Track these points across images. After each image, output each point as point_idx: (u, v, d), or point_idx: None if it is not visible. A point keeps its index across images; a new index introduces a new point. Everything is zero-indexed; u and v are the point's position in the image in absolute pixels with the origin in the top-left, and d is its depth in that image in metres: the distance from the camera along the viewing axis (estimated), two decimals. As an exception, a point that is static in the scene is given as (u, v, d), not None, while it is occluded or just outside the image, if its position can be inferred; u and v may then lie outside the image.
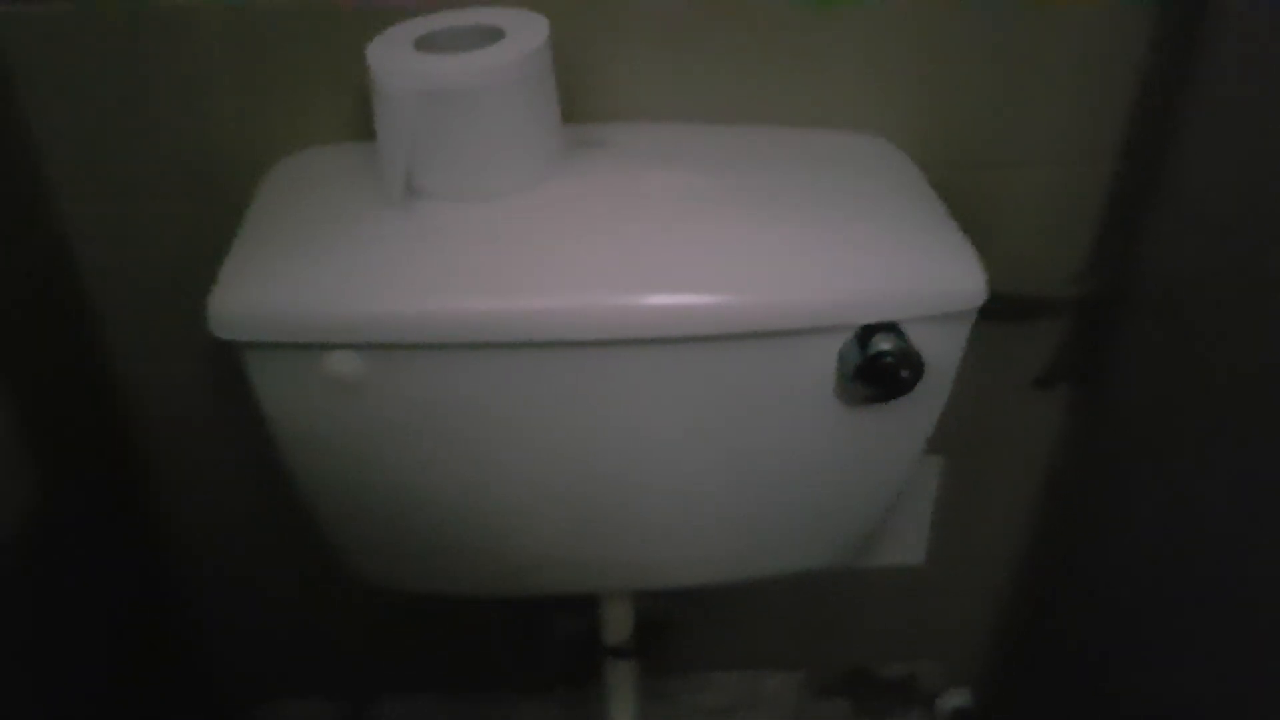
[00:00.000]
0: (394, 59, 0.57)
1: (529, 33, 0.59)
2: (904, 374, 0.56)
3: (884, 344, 0.56)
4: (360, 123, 0.68)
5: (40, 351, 0.70)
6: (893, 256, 0.58)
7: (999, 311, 0.63)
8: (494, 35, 0.59)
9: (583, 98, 0.68)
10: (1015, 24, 0.67)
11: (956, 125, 0.71)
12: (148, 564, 0.88)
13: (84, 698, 0.76)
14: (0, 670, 0.65)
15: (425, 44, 0.59)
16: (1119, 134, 0.72)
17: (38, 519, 0.68)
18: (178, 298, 0.74)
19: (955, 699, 1.08)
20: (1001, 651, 1.06)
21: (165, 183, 0.70)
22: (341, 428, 0.61)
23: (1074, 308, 0.80)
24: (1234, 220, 0.65)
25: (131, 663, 0.84)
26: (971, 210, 0.67)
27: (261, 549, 0.92)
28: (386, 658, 1.04)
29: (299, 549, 0.90)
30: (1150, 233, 0.74)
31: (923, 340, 0.57)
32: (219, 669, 1.02)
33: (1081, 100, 0.70)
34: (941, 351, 0.59)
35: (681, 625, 1.01)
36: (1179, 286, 0.72)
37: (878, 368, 0.56)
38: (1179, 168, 0.70)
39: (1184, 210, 0.71)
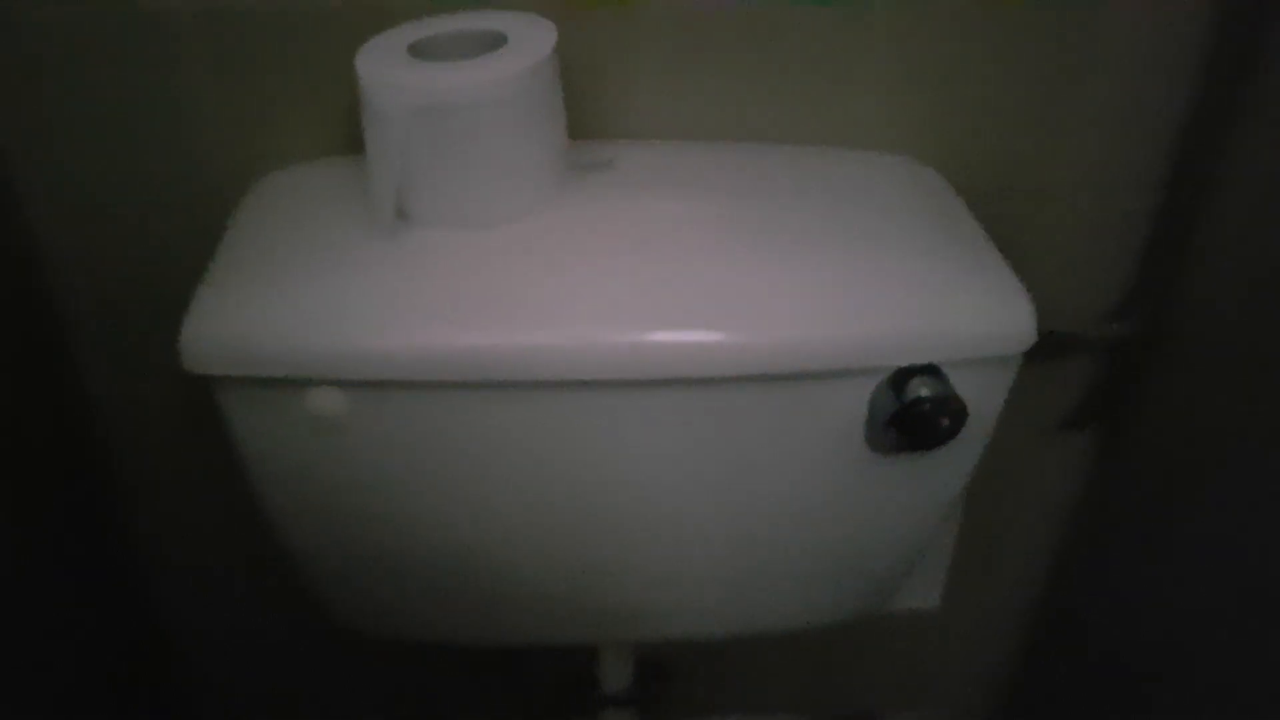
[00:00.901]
0: (385, 69, 0.52)
1: (535, 40, 0.54)
2: (944, 422, 0.52)
3: (922, 389, 0.51)
4: (352, 135, 0.64)
5: (11, 372, 0.68)
6: (931, 291, 0.54)
7: (1030, 349, 0.59)
8: (496, 41, 0.55)
9: (590, 112, 0.64)
10: (1057, 40, 0.63)
11: (989, 148, 0.68)
12: (124, 587, 0.87)
13: None
14: None
15: (421, 50, 0.54)
16: (1164, 164, 0.69)
17: (9, 543, 0.66)
18: (154, 319, 0.71)
19: (964, 748, 1.05)
20: (1011, 701, 1.04)
21: (142, 199, 0.67)
22: (322, 468, 0.57)
23: (1107, 346, 0.77)
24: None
25: (108, 688, 0.82)
26: (1001, 240, 0.64)
27: (243, 575, 0.89)
28: (373, 688, 1.01)
29: (281, 575, 0.87)
30: (1192, 271, 0.71)
31: (963, 385, 0.52)
32: (198, 695, 1.00)
33: (1125, 126, 0.67)
34: (984, 397, 0.55)
35: (682, 669, 0.99)
36: (1219, 328, 0.69)
37: (915, 415, 0.51)
38: (1226, 203, 0.67)
39: (1229, 248, 0.68)
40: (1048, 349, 0.76)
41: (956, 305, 0.53)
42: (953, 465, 0.58)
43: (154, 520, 0.85)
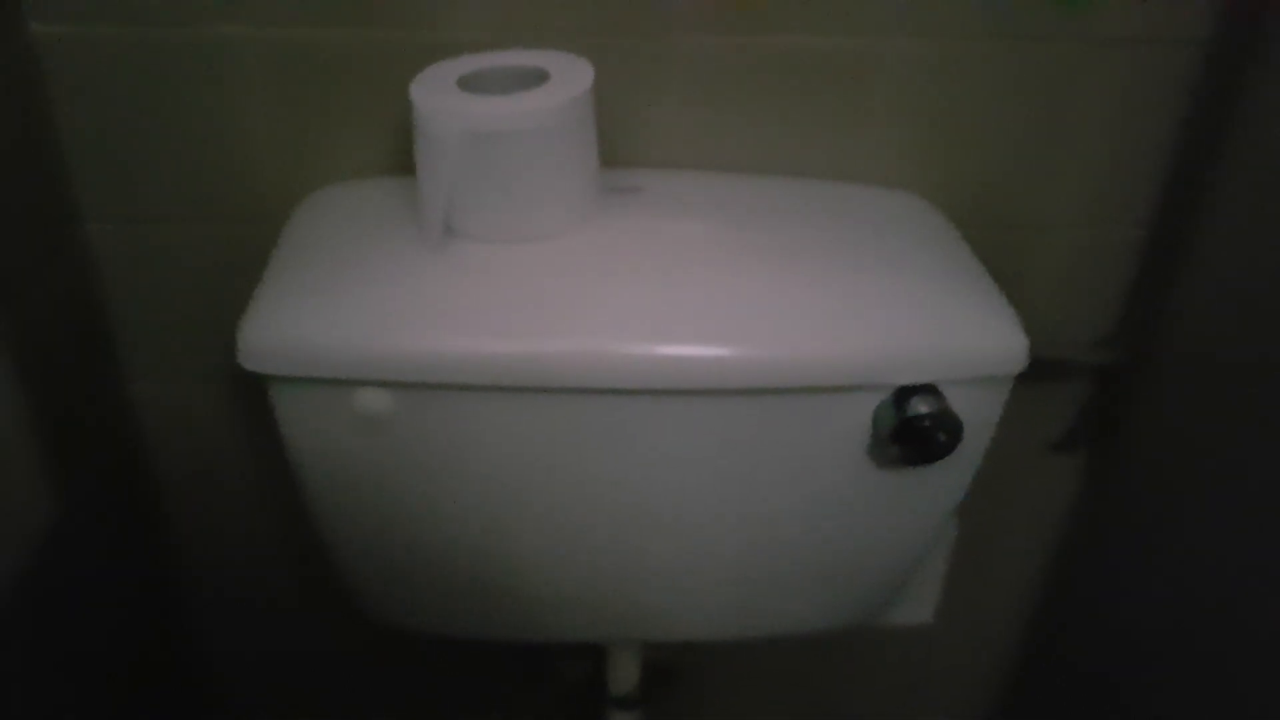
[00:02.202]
0: (438, 98, 0.56)
1: (573, 76, 0.59)
2: (941, 438, 0.55)
3: (922, 406, 0.55)
4: (395, 158, 0.68)
5: (61, 372, 0.70)
6: (932, 316, 0.58)
7: (1022, 374, 0.62)
8: (538, 77, 0.59)
9: (621, 143, 0.68)
10: (1051, 85, 0.67)
11: (988, 184, 0.71)
12: (156, 585, 0.88)
13: (86, 713, 0.75)
14: (6, 685, 0.64)
15: (468, 84, 0.58)
16: (1152, 199, 0.72)
17: (52, 539, 0.68)
18: (201, 324, 0.75)
19: (958, 760, 1.06)
20: (1006, 713, 1.04)
21: (195, 209, 0.70)
22: (365, 464, 0.60)
23: (1097, 372, 0.80)
24: (1265, 290, 0.65)
25: (135, 683, 0.83)
26: (999, 270, 0.67)
27: (267, 573, 0.91)
28: (387, 687, 1.03)
29: (305, 574, 0.90)
30: (1179, 300, 0.74)
31: (960, 403, 0.56)
32: (220, 690, 1.01)
33: (1116, 163, 0.70)
34: (978, 415, 0.58)
35: (687, 676, 1.00)
36: (1206, 354, 0.72)
37: (915, 430, 0.55)
38: (1211, 235, 0.70)
39: (1214, 278, 0.71)
40: (1040, 372, 0.79)
41: (954, 329, 0.57)
42: (949, 479, 0.62)
43: (187, 519, 0.87)
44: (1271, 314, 0.65)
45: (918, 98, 0.67)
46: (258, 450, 0.82)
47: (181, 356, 0.77)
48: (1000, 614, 0.98)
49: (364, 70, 0.65)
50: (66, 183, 0.68)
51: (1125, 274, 0.75)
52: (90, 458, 0.75)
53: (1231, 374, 0.69)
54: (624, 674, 0.84)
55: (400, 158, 0.68)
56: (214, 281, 0.72)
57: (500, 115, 0.55)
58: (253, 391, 0.58)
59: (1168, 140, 0.70)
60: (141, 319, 0.75)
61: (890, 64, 0.66)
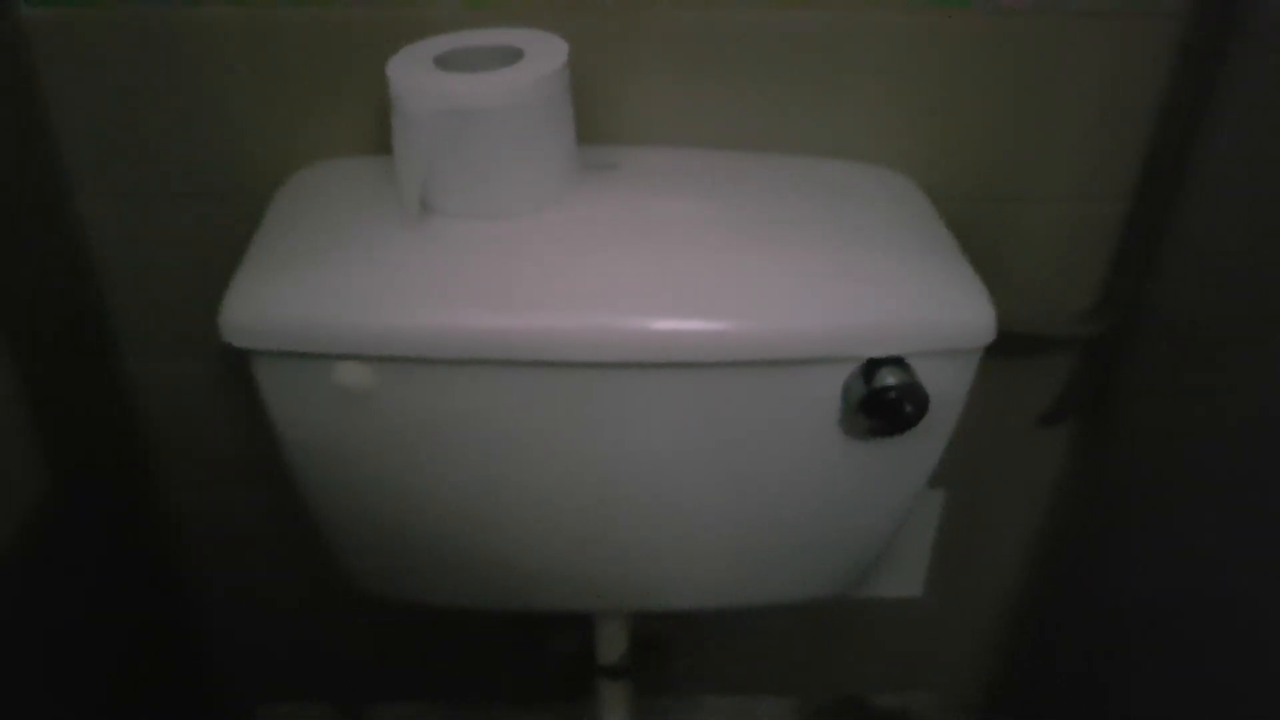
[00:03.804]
0: (415, 76, 0.57)
1: (548, 54, 0.59)
2: (908, 409, 0.56)
3: (889, 378, 0.56)
4: (379, 136, 0.69)
5: (53, 349, 0.71)
6: (901, 290, 0.58)
7: (1006, 347, 0.63)
8: (513, 56, 0.60)
9: (598, 119, 0.68)
10: (1033, 58, 0.67)
11: (971, 159, 0.71)
12: (151, 563, 0.89)
13: (85, 696, 0.76)
14: (3, 667, 0.65)
15: (445, 62, 0.59)
16: (1134, 172, 0.72)
17: (45, 516, 0.68)
18: (190, 301, 0.76)
19: (948, 732, 1.07)
20: (996, 685, 1.05)
21: (182, 187, 0.71)
22: (348, 437, 0.61)
23: (1082, 345, 0.80)
24: (1246, 260, 0.65)
25: (132, 663, 0.84)
26: (983, 245, 0.68)
27: (264, 552, 0.93)
28: (384, 664, 1.04)
29: (302, 553, 0.91)
30: (1162, 272, 0.74)
31: (929, 376, 0.57)
32: (219, 671, 1.03)
33: (1098, 137, 0.70)
34: (947, 388, 0.59)
35: (677, 646, 1.01)
36: (1189, 326, 0.72)
37: (882, 402, 0.56)
38: (1192, 206, 0.71)
39: (1196, 249, 0.71)
40: (1025, 346, 0.80)
41: (922, 303, 0.58)
42: (921, 449, 0.62)
43: (184, 498, 0.89)
44: (1253, 285, 0.65)
45: (898, 72, 0.68)
46: (251, 427, 0.83)
47: (173, 334, 0.78)
48: (990, 587, 0.99)
49: (346, 50, 0.66)
50: (58, 162, 0.69)
51: (1109, 247, 0.76)
52: (83, 435, 0.76)
53: (1216, 346, 0.69)
54: (612, 643, 0.85)
55: (384, 137, 0.68)
56: (204, 259, 0.73)
57: (475, 92, 0.56)
58: (243, 368, 0.59)
59: (1149, 113, 0.70)
60: (134, 297, 0.77)
61: (870, 38, 0.66)
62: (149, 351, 0.80)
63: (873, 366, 0.57)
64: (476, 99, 0.56)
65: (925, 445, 0.62)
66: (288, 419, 0.61)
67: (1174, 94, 0.68)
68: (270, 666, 1.03)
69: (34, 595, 0.69)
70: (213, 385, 0.81)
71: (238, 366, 0.78)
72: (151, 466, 0.86)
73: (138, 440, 0.84)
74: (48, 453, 0.68)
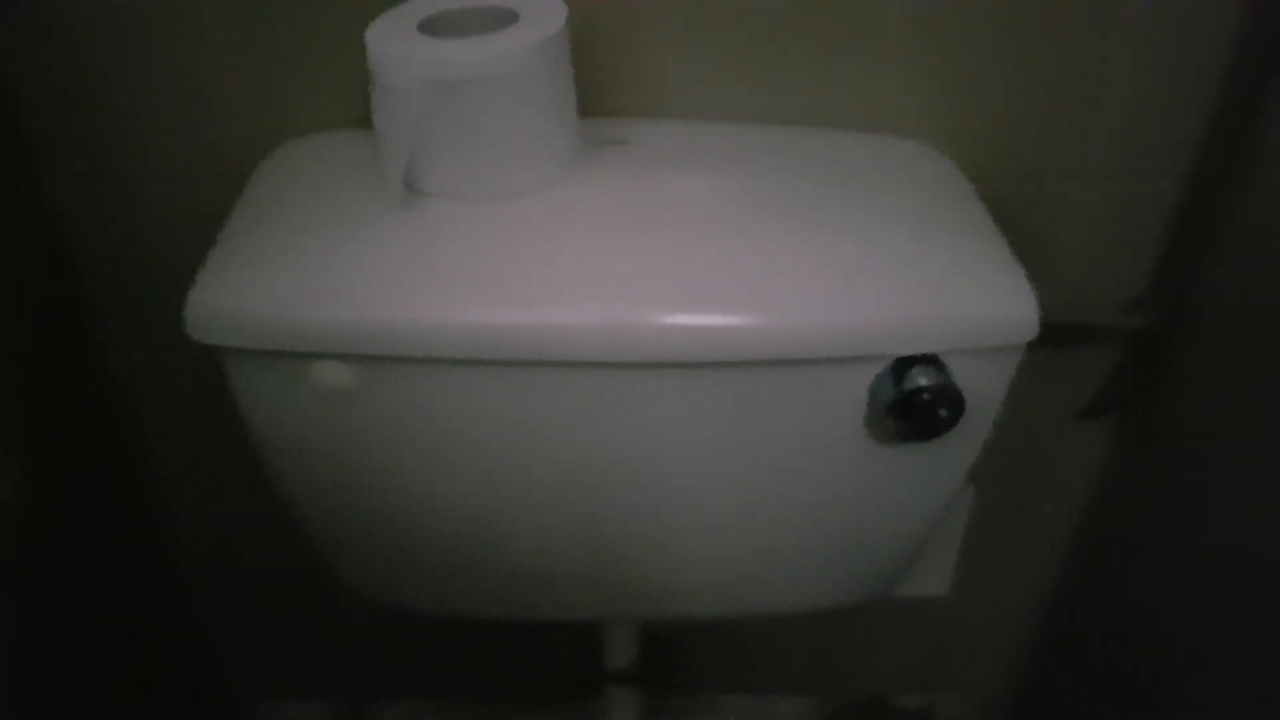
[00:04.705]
0: (395, 42, 0.52)
1: (545, 17, 0.55)
2: (942, 413, 0.52)
3: (921, 378, 0.51)
4: (364, 109, 0.64)
5: (33, 339, 0.69)
6: (935, 281, 0.54)
7: (1046, 338, 0.58)
8: (507, 18, 0.55)
9: (603, 90, 0.64)
10: (1081, 22, 0.62)
11: (1009, 130, 0.67)
12: (152, 562, 0.88)
13: (83, 696, 0.76)
14: (2, 668, 0.65)
15: (431, 27, 0.55)
16: (1189, 147, 0.68)
17: (31, 511, 0.67)
18: (173, 286, 0.72)
19: (973, 734, 1.06)
20: (1024, 687, 1.04)
21: (161, 168, 0.68)
22: (328, 440, 0.58)
23: (1129, 336, 0.77)
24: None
25: (131, 661, 0.84)
26: (1024, 227, 0.64)
27: (266, 551, 0.91)
28: (386, 663, 1.04)
29: (303, 552, 0.89)
30: (1217, 259, 0.71)
31: (964, 374, 0.52)
32: (221, 670, 1.02)
33: (1149, 107, 0.66)
34: (985, 388, 0.54)
35: (689, 645, 1.00)
36: (1241, 318, 0.69)
37: (913, 404, 0.52)
38: (1255, 188, 0.66)
39: (1254, 236, 0.67)
40: (1065, 336, 0.76)
41: (959, 295, 0.53)
42: (954, 454, 0.58)
43: (177, 492, 0.87)
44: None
45: (934, 38, 0.63)
46: (240, 418, 0.81)
47: (159, 322, 0.74)
48: (1019, 586, 0.97)
49: (328, 16, 0.62)
50: (26, 139, 0.67)
51: (1160, 231, 0.71)
52: (73, 431, 0.75)
53: (1272, 341, 0.65)
54: (622, 649, 0.83)
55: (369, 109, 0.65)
56: (184, 242, 0.69)
57: (463, 60, 0.52)
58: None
59: (1207, 86, 0.65)
60: (116, 285, 0.75)
61: (905, 1, 0.62)
62: (132, 340, 0.78)
63: (903, 365, 0.52)
64: (465, 67, 0.52)
65: (959, 449, 0.58)
66: (263, 420, 0.57)
67: (1238, 61, 0.63)
68: (272, 665, 1.03)
69: (31, 596, 0.68)
70: (205, 377, 0.77)
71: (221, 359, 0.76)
72: (141, 459, 0.85)
73: (129, 435, 0.83)
74: (29, 448, 0.67)
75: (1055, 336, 0.76)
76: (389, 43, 0.52)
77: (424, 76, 0.52)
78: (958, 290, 0.53)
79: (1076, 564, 0.92)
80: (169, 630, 0.92)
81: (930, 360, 0.52)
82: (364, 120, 0.64)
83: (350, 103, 0.65)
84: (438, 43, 0.52)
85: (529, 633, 0.97)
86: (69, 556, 0.74)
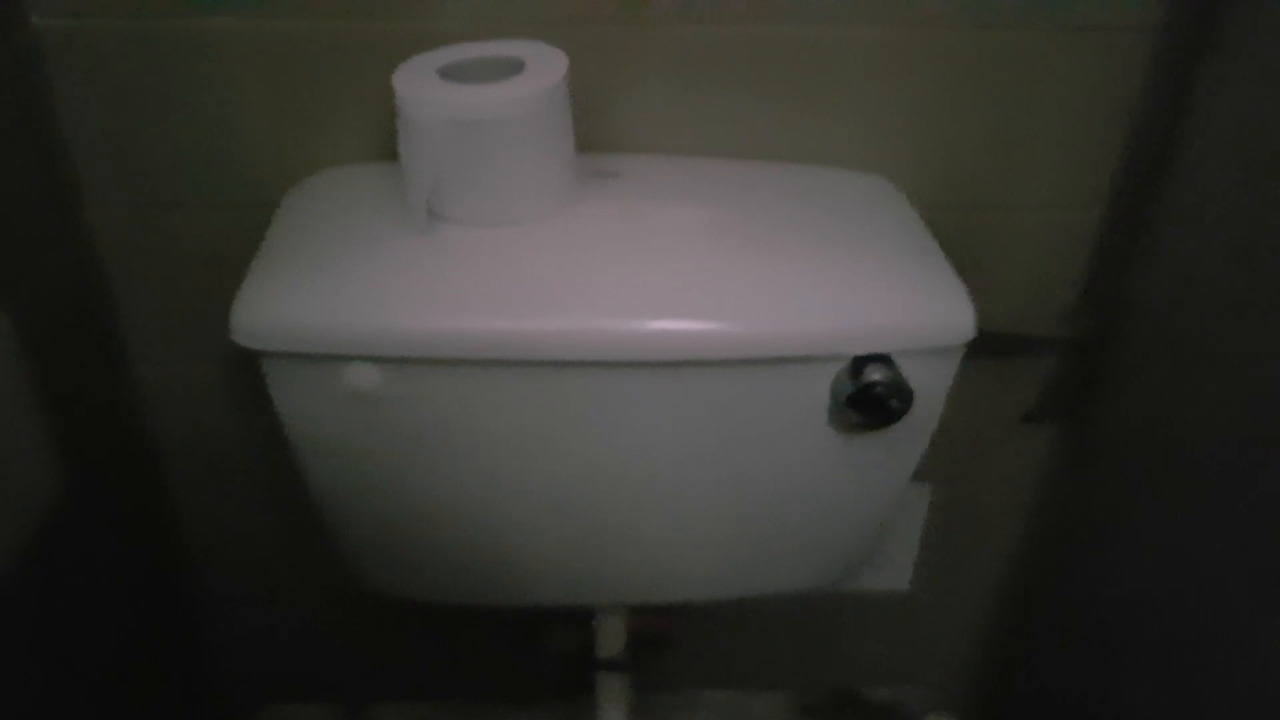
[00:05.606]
0: (420, 87, 0.59)
1: (548, 66, 0.61)
2: (894, 404, 0.58)
3: (875, 374, 0.58)
4: (383, 144, 0.71)
5: (66, 354, 0.72)
6: (886, 291, 0.61)
7: (990, 347, 0.65)
8: (514, 67, 0.62)
9: (597, 129, 0.70)
10: (1015, 70, 0.69)
11: (954, 166, 0.74)
12: (156, 563, 0.89)
13: (89, 696, 0.76)
14: (6, 665, 0.66)
15: (449, 73, 0.61)
16: (1112, 178, 0.74)
17: (56, 518, 0.69)
18: (199, 307, 0.77)
19: (939, 724, 1.09)
20: (987, 678, 1.07)
21: (193, 194, 0.73)
22: (356, 437, 0.63)
23: (1064, 346, 0.82)
24: (1221, 264, 0.68)
25: (136, 662, 0.85)
26: (967, 249, 0.70)
27: (268, 553, 0.94)
28: (384, 664, 1.05)
29: (305, 554, 0.92)
30: (1140, 275, 0.76)
31: (913, 372, 0.59)
32: (222, 670, 1.03)
33: (1076, 146, 0.73)
34: (931, 384, 0.61)
35: (674, 643, 1.02)
36: (1167, 328, 0.74)
37: (869, 397, 0.58)
38: (1167, 212, 0.73)
39: (1172, 254, 0.73)
40: (1008, 346, 0.82)
41: (907, 303, 0.60)
42: (906, 443, 0.65)
43: (190, 501, 0.90)
44: (1227, 289, 0.67)
45: (886, 83, 0.70)
46: (257, 430, 0.85)
47: (184, 339, 0.79)
48: (977, 581, 1.00)
49: (351, 61, 0.67)
50: (70, 170, 0.71)
51: (1088, 252, 0.78)
52: (94, 439, 0.76)
53: (1192, 347, 0.71)
54: (612, 637, 0.87)
55: (388, 144, 0.70)
56: (213, 265, 0.74)
57: (478, 104, 0.58)
58: (253, 372, 0.61)
59: (1126, 123, 0.72)
60: (145, 303, 0.78)
61: (859, 52, 0.69)
62: (159, 356, 0.81)
63: (859, 364, 0.59)
64: (480, 110, 0.58)
65: (910, 439, 0.65)
66: (297, 419, 0.63)
67: (1149, 105, 0.70)
68: (273, 667, 1.04)
69: (42, 595, 0.70)
70: (219, 389, 0.83)
71: (245, 370, 0.79)
72: (159, 469, 0.87)
73: (146, 443, 0.85)
74: (60, 455, 0.69)
75: (998, 346, 0.81)
76: (414, 87, 0.59)
77: (444, 117, 0.58)
78: (906, 299, 0.60)
79: (1029, 558, 0.96)
80: (172, 632, 0.93)
81: (883, 359, 0.59)
82: (380, 154, 0.70)
83: (367, 138, 0.70)
84: (456, 88, 0.59)
85: (523, 631, 0.99)
86: (84, 558, 0.75)
